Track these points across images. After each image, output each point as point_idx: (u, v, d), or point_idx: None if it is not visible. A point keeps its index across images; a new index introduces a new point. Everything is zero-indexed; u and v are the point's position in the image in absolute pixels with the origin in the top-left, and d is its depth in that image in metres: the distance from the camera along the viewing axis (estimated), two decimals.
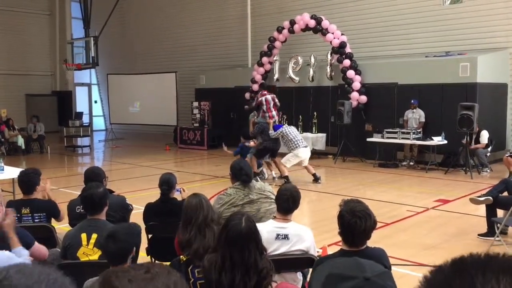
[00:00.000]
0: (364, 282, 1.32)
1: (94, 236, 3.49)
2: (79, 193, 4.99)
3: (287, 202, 3.64)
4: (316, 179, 10.11)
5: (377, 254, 2.93)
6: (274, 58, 15.21)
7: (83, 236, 3.50)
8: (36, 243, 3.71)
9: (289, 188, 3.76)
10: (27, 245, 3.64)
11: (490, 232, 6.06)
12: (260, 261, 2.66)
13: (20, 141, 15.52)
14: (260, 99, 10.34)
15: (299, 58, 14.61)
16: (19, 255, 3.19)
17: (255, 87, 15.65)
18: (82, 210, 4.14)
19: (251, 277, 2.61)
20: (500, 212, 6.20)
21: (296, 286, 3.59)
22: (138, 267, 1.07)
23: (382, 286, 1.37)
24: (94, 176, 4.69)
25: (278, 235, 3.56)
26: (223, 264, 2.63)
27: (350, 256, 2.82)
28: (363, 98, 13.37)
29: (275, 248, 3.55)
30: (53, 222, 4.90)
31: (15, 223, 3.47)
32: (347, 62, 13.52)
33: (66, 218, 4.71)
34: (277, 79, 15.16)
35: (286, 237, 3.56)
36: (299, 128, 14.10)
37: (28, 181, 4.65)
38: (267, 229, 3.60)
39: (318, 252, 4.80)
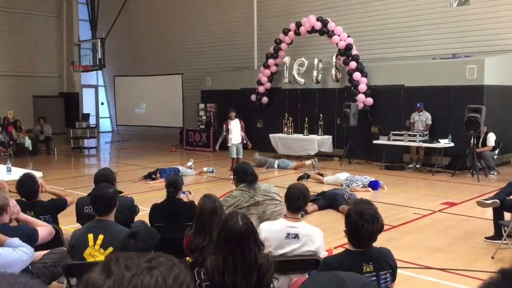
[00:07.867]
0: None
1: (101, 237, 3.48)
2: (85, 194, 5.02)
3: (298, 200, 3.67)
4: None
5: (383, 253, 2.93)
6: (284, 60, 15.15)
7: (90, 236, 3.50)
8: (38, 230, 3.74)
9: (298, 186, 3.77)
10: (34, 239, 3.67)
11: (497, 235, 6.02)
12: (259, 256, 2.69)
13: (27, 143, 15.60)
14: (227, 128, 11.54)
15: (304, 60, 14.58)
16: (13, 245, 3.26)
17: (261, 89, 15.65)
18: (90, 210, 4.15)
19: (252, 274, 2.63)
20: (507, 215, 6.17)
21: None
22: (143, 256, 1.05)
23: None
24: (105, 178, 4.69)
25: (288, 234, 3.58)
26: (225, 265, 2.64)
27: (355, 256, 2.84)
28: (369, 100, 13.34)
29: (284, 247, 3.55)
30: (61, 224, 4.92)
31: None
32: (353, 64, 13.50)
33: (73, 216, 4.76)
34: (289, 81, 15.02)
35: (296, 236, 3.57)
36: (305, 130, 14.12)
37: (28, 187, 4.66)
38: (277, 227, 3.61)
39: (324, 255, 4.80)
